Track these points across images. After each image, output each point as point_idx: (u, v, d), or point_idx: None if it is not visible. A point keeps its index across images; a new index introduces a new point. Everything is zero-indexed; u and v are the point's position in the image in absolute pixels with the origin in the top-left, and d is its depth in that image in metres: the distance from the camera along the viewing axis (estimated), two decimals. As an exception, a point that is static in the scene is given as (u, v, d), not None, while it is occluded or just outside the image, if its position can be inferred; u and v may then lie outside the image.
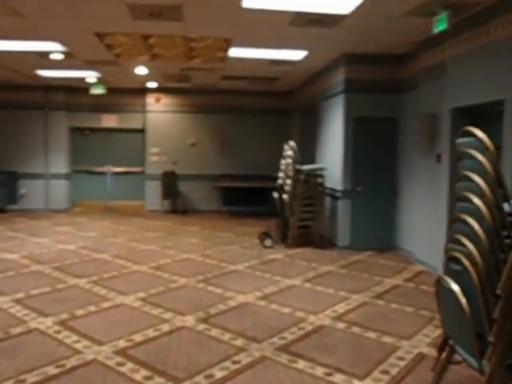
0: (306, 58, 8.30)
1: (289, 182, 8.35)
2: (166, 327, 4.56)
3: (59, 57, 8.45)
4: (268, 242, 8.28)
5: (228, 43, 7.51)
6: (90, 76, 10.56)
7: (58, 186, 12.34)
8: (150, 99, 12.50)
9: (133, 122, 12.65)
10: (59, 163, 12.34)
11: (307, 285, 6.12)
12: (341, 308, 5.23)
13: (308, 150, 10.36)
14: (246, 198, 12.26)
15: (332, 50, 7.89)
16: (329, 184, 8.56)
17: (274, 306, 5.24)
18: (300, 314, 5.02)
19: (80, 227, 10.05)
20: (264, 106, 12.66)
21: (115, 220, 11.11)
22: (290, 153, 8.47)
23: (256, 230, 9.52)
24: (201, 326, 4.60)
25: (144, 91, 12.39)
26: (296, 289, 5.96)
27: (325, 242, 8.52)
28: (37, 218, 11.13)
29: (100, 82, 11.28)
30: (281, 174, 8.93)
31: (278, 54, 8.19)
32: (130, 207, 12.77)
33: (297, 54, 8.17)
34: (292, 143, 8.55)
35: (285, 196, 8.45)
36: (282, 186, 8.77)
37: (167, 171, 12.15)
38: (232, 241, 8.88)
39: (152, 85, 11.79)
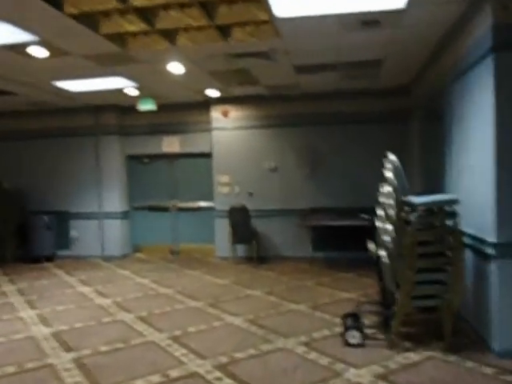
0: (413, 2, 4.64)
1: (388, 227, 4.63)
2: None
3: (40, 52, 5.92)
4: (353, 337, 4.60)
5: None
6: (123, 85, 7.99)
7: (114, 227, 10.01)
8: (215, 113, 9.63)
9: (198, 144, 9.88)
10: (114, 200, 9.99)
11: None
12: None
13: (433, 172, 6.52)
14: (348, 242, 8.61)
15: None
16: (469, 229, 4.67)
17: None
18: None
19: (106, 288, 7.37)
20: (369, 111, 8.91)
21: (162, 275, 8.24)
22: (390, 175, 4.76)
23: (351, 296, 6.02)
24: None
25: (207, 104, 9.60)
26: None
27: (466, 338, 4.55)
28: (75, 271, 8.78)
29: (148, 95, 8.79)
30: (379, 213, 5.20)
31: (362, 3, 4.68)
32: (198, 252, 9.97)
33: None
34: (392, 157, 4.82)
35: (383, 253, 4.74)
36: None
37: (235, 207, 9.03)
38: (298, 324, 5.33)
39: (213, 93, 8.93)
